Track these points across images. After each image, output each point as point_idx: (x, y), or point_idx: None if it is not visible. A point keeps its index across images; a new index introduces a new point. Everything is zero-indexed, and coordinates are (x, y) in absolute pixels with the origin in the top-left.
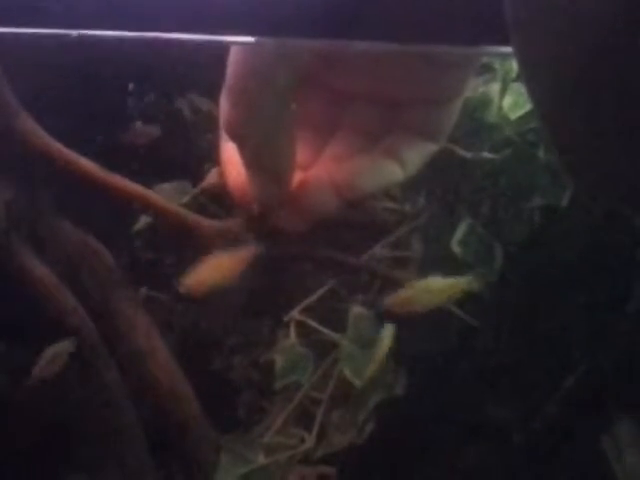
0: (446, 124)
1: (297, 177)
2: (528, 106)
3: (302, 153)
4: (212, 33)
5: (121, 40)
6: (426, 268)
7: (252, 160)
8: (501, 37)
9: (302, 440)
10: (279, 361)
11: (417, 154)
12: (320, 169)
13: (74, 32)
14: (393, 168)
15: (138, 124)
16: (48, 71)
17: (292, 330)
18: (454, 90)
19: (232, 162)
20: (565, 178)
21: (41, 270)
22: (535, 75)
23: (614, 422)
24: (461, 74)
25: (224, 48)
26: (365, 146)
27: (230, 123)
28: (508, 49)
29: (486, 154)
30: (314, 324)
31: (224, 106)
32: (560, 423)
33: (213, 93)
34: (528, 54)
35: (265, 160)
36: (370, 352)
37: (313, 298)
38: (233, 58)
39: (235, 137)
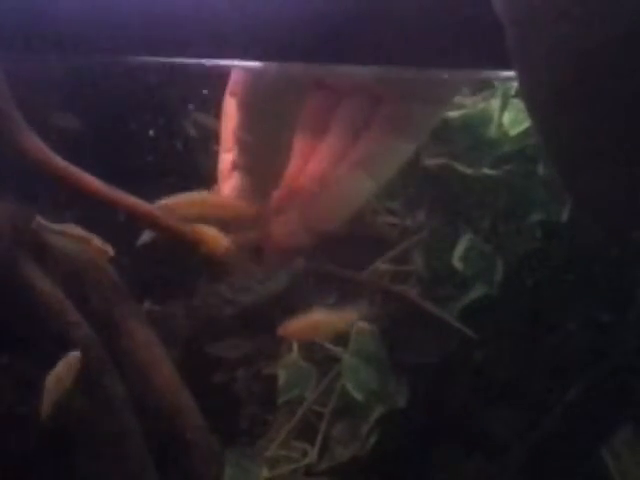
0: (425, 124)
1: (285, 182)
2: (528, 122)
3: (292, 155)
4: (215, 57)
5: (126, 62)
6: (427, 283)
7: (247, 162)
8: (500, 60)
9: (305, 453)
10: (282, 375)
11: (389, 158)
12: (292, 205)
13: (81, 56)
14: (362, 185)
15: (140, 140)
16: (53, 92)
17: (295, 344)
18: (440, 94)
19: (229, 172)
20: (563, 193)
21: (45, 284)
22: (531, 90)
23: (614, 434)
24: (449, 83)
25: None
26: (346, 147)
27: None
28: (507, 73)
29: (486, 170)
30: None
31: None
32: (560, 436)
33: (217, 110)
34: (525, 68)
35: (260, 165)
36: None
37: None
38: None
39: (238, 142)
